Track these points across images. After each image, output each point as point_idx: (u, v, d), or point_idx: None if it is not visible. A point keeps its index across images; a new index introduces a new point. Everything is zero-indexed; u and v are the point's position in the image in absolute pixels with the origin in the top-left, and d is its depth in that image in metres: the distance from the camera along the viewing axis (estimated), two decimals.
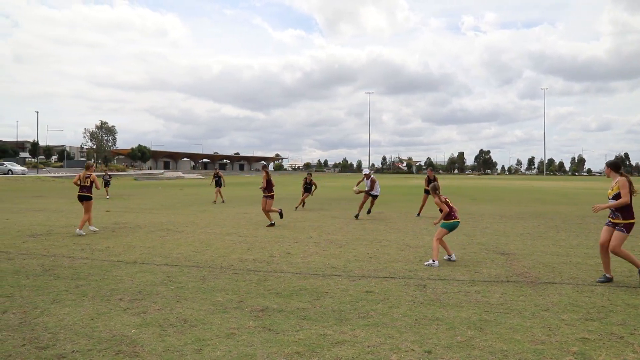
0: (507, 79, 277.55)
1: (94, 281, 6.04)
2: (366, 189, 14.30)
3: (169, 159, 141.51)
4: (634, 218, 6.03)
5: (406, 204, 19.57)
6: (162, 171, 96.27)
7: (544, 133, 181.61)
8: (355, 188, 14.48)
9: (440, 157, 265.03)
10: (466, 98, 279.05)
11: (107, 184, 24.66)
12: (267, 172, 12.30)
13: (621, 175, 6.15)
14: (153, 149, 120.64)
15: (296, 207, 17.02)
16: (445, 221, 7.42)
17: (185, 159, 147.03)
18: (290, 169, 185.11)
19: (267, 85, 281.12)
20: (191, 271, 6.65)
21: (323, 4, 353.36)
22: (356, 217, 13.94)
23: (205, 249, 8.49)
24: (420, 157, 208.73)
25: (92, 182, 10.84)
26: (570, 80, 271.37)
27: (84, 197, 10.77)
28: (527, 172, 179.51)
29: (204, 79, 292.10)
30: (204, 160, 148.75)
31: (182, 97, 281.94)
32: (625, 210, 6.05)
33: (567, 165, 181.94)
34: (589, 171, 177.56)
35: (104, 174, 26.57)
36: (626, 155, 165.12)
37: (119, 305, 4.98)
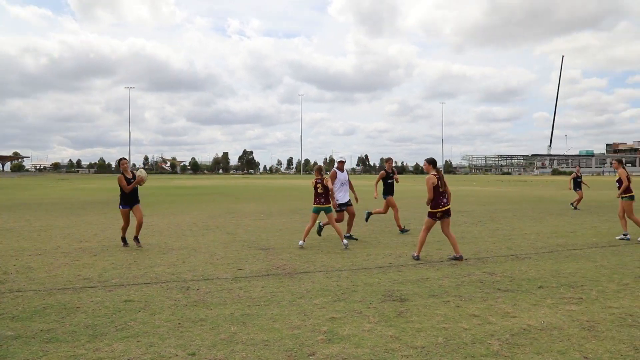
0: (269, 84, 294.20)
1: None
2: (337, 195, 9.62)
3: None
4: (432, 209, 7.29)
5: (171, 205, 18.99)
6: None
7: (301, 136, 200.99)
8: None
9: (205, 157, 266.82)
10: (231, 99, 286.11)
11: None
12: None
13: (437, 171, 7.27)
14: None
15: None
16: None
17: None
18: (34, 169, 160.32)
19: (1, 69, 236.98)
20: None
21: None
22: (349, 236, 9.77)
23: None
24: (184, 157, 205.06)
25: None
26: (322, 89, 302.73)
27: None
28: (287, 171, 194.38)
29: None
30: None
31: None
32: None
33: None
34: None
35: None
36: (366, 156, 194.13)
37: None
